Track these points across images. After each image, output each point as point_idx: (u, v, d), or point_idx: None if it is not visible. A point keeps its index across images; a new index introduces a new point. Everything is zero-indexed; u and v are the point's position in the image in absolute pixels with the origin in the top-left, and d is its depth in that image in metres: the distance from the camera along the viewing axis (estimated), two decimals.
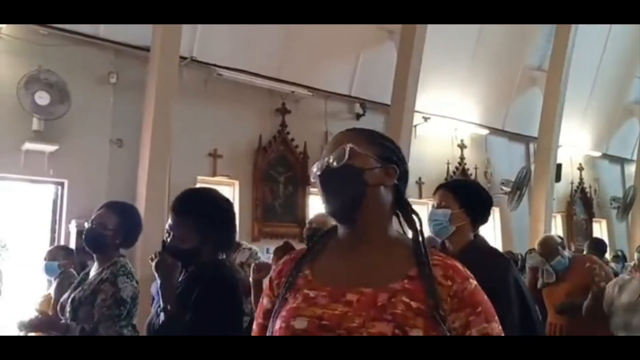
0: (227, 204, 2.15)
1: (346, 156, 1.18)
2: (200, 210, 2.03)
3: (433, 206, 2.34)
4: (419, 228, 1.19)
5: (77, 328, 2.49)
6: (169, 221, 2.07)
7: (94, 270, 2.67)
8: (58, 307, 2.74)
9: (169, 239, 2.03)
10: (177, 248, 1.99)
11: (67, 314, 2.59)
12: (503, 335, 1.15)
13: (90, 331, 2.47)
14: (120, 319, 2.50)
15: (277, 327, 1.14)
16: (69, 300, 2.61)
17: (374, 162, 1.19)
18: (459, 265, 1.18)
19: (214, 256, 2.04)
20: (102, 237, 2.60)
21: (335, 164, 1.19)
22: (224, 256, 2.14)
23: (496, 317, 1.15)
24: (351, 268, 1.17)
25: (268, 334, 1.17)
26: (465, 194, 2.33)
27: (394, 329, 1.05)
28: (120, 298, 2.49)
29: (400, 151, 1.27)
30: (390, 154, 1.23)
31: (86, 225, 2.69)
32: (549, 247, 3.88)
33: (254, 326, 1.28)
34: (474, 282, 1.17)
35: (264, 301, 1.26)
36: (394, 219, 1.25)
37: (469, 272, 1.18)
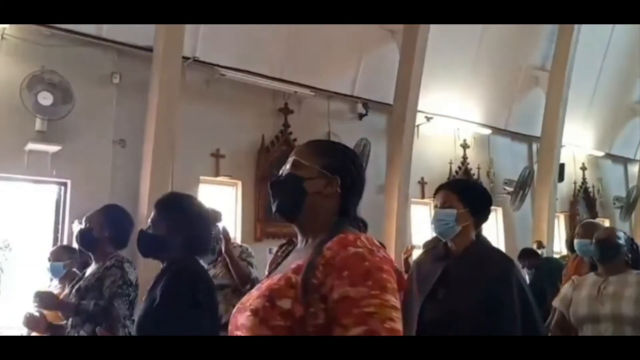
0: (201, 211, 2.29)
1: (290, 166, 1.36)
2: (175, 207, 2.23)
3: (436, 206, 2.32)
4: (338, 224, 1.28)
5: (91, 303, 2.58)
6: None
7: (91, 268, 2.79)
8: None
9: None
10: (147, 233, 2.19)
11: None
12: (372, 299, 1.10)
13: (104, 306, 2.56)
14: (129, 300, 2.62)
15: None
16: (74, 290, 2.71)
17: (316, 173, 1.33)
18: (350, 237, 1.21)
19: (184, 253, 2.16)
20: (89, 235, 2.76)
21: (283, 173, 1.37)
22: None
23: (369, 283, 1.12)
24: (287, 262, 1.32)
25: None
26: (469, 194, 2.33)
27: (264, 302, 1.17)
28: (128, 279, 2.64)
29: (353, 162, 1.38)
30: (336, 165, 1.35)
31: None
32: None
33: None
34: (353, 250, 1.17)
35: None
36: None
37: (358, 243, 1.18)
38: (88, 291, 2.63)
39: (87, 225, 2.79)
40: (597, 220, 10.98)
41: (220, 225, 3.71)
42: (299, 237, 1.37)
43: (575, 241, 3.92)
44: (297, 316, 1.14)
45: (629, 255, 2.89)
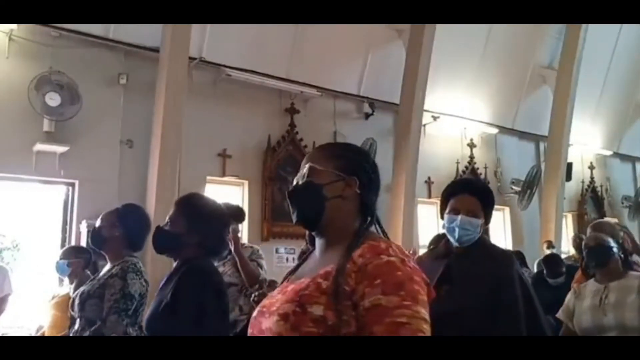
0: (220, 213, 2.31)
1: (306, 174, 1.33)
2: (194, 206, 2.26)
3: (456, 210, 2.24)
4: (363, 227, 1.29)
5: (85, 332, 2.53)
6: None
7: (105, 269, 2.72)
8: (69, 303, 2.78)
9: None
10: (163, 229, 2.21)
11: (76, 307, 2.63)
12: (405, 309, 1.10)
13: (96, 329, 2.50)
14: (128, 314, 2.53)
15: None
16: (79, 293, 2.67)
17: (333, 176, 1.31)
18: (382, 244, 1.20)
19: (199, 253, 2.17)
20: (97, 234, 2.71)
21: (299, 182, 1.34)
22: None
23: (402, 292, 1.11)
24: (308, 266, 1.32)
25: None
26: (487, 200, 2.32)
27: (295, 307, 1.15)
28: (128, 293, 2.54)
29: (367, 160, 1.37)
30: (351, 166, 1.33)
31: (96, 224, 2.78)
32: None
33: None
34: (386, 258, 1.16)
35: None
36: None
37: (390, 251, 1.18)
38: (89, 297, 2.57)
39: (100, 223, 2.73)
40: (606, 219, 10.97)
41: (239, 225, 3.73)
42: (319, 242, 1.34)
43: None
44: (330, 323, 1.12)
45: (622, 256, 2.85)
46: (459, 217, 2.23)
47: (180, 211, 2.23)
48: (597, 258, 2.85)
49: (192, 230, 2.16)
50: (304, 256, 1.42)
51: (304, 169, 1.34)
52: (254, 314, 1.26)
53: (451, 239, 2.28)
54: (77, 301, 2.63)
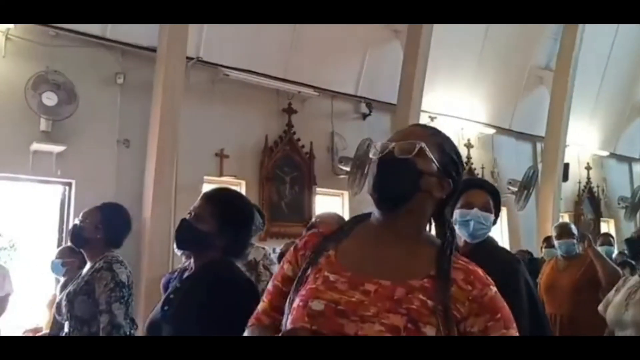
0: (251, 215, 2.12)
1: (414, 152, 1.19)
2: (228, 205, 2.04)
3: (470, 204, 2.22)
4: (450, 241, 1.23)
5: (102, 330, 2.49)
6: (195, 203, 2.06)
7: (86, 267, 2.72)
8: (54, 308, 2.76)
9: (189, 217, 2.01)
10: (192, 225, 1.97)
11: (64, 309, 2.61)
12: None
13: (107, 316, 2.47)
14: (124, 302, 2.54)
15: (295, 304, 1.16)
16: (65, 294, 2.65)
17: (435, 170, 1.20)
18: (480, 271, 1.21)
19: (223, 256, 2.00)
20: (79, 233, 2.69)
21: (400, 154, 1.19)
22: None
23: (514, 324, 1.18)
24: (375, 258, 1.18)
25: (286, 308, 1.20)
26: (498, 200, 2.33)
27: (407, 323, 1.07)
28: (120, 281, 2.55)
29: (461, 173, 1.28)
30: (452, 169, 1.24)
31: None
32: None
33: (269, 286, 1.31)
34: (494, 289, 1.19)
35: (285, 266, 1.29)
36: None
37: (490, 280, 1.20)
38: (77, 295, 2.56)
39: (80, 222, 2.72)
40: (602, 219, 11.00)
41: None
42: (382, 225, 1.22)
43: (557, 242, 4.00)
44: None
45: None
46: (474, 210, 2.21)
47: (213, 209, 1.99)
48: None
49: (222, 232, 1.96)
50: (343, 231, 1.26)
51: (415, 145, 1.19)
52: (314, 305, 1.12)
53: (463, 234, 2.25)
54: (64, 302, 2.61)
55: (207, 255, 1.96)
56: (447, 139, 1.28)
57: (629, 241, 2.91)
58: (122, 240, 2.77)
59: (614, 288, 2.97)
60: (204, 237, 1.95)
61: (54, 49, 5.67)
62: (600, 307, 2.96)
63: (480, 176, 8.96)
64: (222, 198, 2.06)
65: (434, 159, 1.20)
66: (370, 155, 1.23)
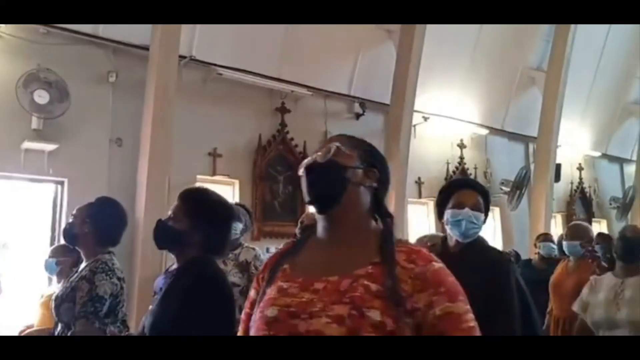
0: (227, 211, 2.21)
1: (332, 153, 1.29)
2: (199, 202, 2.14)
3: (461, 204, 2.25)
4: (389, 226, 1.30)
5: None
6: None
7: (80, 268, 2.68)
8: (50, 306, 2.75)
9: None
10: (167, 224, 2.08)
11: (53, 311, 2.60)
12: (469, 313, 1.17)
13: (72, 333, 2.46)
14: (99, 316, 2.46)
15: (255, 317, 1.24)
16: (54, 298, 2.63)
17: (357, 162, 1.30)
18: (424, 250, 1.24)
19: (202, 254, 2.07)
20: (69, 230, 2.64)
21: (321, 160, 1.29)
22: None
23: (462, 297, 1.18)
24: (324, 260, 1.25)
25: (251, 322, 1.27)
26: (487, 200, 2.36)
27: (350, 310, 1.12)
28: (96, 295, 2.46)
29: (385, 161, 1.38)
30: (373, 160, 1.34)
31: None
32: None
33: (242, 315, 1.38)
34: (438, 264, 1.20)
35: (251, 293, 1.36)
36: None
37: (433, 256, 1.22)
38: (63, 301, 2.53)
39: (72, 219, 2.67)
40: (594, 220, 11.07)
41: (239, 223, 3.65)
42: (328, 230, 1.29)
43: (564, 243, 3.96)
44: (389, 329, 1.11)
45: None
46: (465, 210, 2.23)
47: (184, 207, 2.10)
48: (628, 250, 2.79)
49: (196, 229, 2.05)
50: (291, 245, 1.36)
51: (331, 147, 1.30)
52: (278, 314, 1.17)
53: (455, 234, 2.27)
54: (53, 305, 2.59)
55: (187, 253, 2.06)
56: (359, 138, 1.40)
57: (624, 239, 2.87)
58: (116, 237, 2.69)
59: (588, 287, 2.97)
60: (180, 235, 2.06)
61: (46, 46, 5.63)
62: (575, 307, 2.94)
63: (473, 176, 9.01)
64: (193, 196, 2.18)
65: (353, 154, 1.31)
66: (299, 173, 1.32)
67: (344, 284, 1.16)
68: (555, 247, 5.21)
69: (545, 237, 5.58)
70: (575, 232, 3.98)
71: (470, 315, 1.16)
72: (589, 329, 2.82)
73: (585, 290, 2.96)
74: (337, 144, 1.31)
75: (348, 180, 1.27)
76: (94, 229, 2.61)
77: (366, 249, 1.23)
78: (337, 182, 1.26)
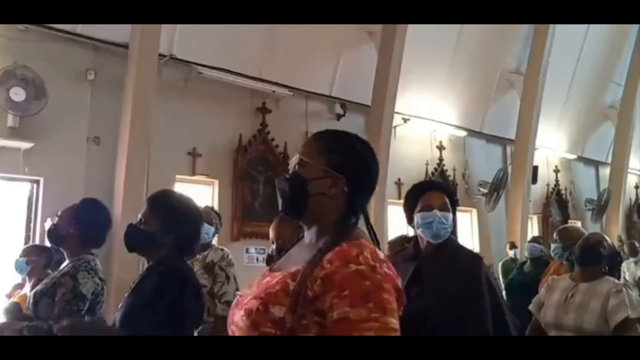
0: (195, 212, 2.25)
1: (295, 166, 1.32)
2: (168, 205, 2.19)
3: (430, 207, 2.28)
4: (340, 230, 1.25)
5: (44, 324, 2.44)
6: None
7: (61, 267, 2.66)
8: (27, 303, 2.71)
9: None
10: (137, 228, 2.13)
11: (31, 307, 2.56)
12: (371, 322, 1.09)
13: (48, 328, 2.39)
14: (80, 314, 2.44)
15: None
16: (33, 293, 2.60)
17: (321, 172, 1.28)
18: (354, 251, 1.17)
19: (172, 253, 2.10)
20: (55, 231, 2.64)
21: (287, 174, 1.34)
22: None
23: (368, 305, 1.10)
24: (287, 258, 1.34)
25: None
26: (453, 199, 2.39)
27: (259, 305, 1.16)
28: (80, 293, 2.44)
29: (360, 157, 1.32)
30: (342, 163, 1.29)
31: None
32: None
33: None
34: (355, 267, 1.13)
35: None
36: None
37: (360, 259, 1.15)
38: (42, 296, 2.50)
39: (56, 220, 2.66)
40: (570, 221, 11.23)
41: (211, 226, 3.68)
42: (306, 232, 1.34)
43: (553, 245, 4.01)
44: (288, 326, 1.12)
45: (606, 268, 2.84)
46: (434, 211, 2.27)
47: (153, 209, 2.15)
48: (584, 257, 2.82)
49: (165, 230, 2.10)
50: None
51: (295, 159, 1.33)
52: (234, 303, 1.28)
53: (426, 236, 2.30)
54: (31, 301, 2.56)
55: (157, 253, 2.10)
56: (329, 138, 1.35)
57: (585, 248, 2.89)
58: (100, 238, 2.69)
59: (544, 288, 3.00)
60: (151, 236, 2.11)
61: (23, 43, 5.55)
62: (531, 307, 2.97)
63: (451, 177, 9.10)
64: (161, 198, 2.22)
65: (318, 163, 1.29)
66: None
67: (272, 280, 1.22)
68: (538, 247, 5.28)
69: (534, 238, 5.66)
70: (565, 235, 4.03)
71: (372, 324, 1.08)
72: (542, 330, 2.85)
73: (542, 291, 2.99)
74: (300, 155, 1.32)
75: (309, 193, 1.28)
76: (79, 231, 2.60)
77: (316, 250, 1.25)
78: (298, 197, 1.29)
